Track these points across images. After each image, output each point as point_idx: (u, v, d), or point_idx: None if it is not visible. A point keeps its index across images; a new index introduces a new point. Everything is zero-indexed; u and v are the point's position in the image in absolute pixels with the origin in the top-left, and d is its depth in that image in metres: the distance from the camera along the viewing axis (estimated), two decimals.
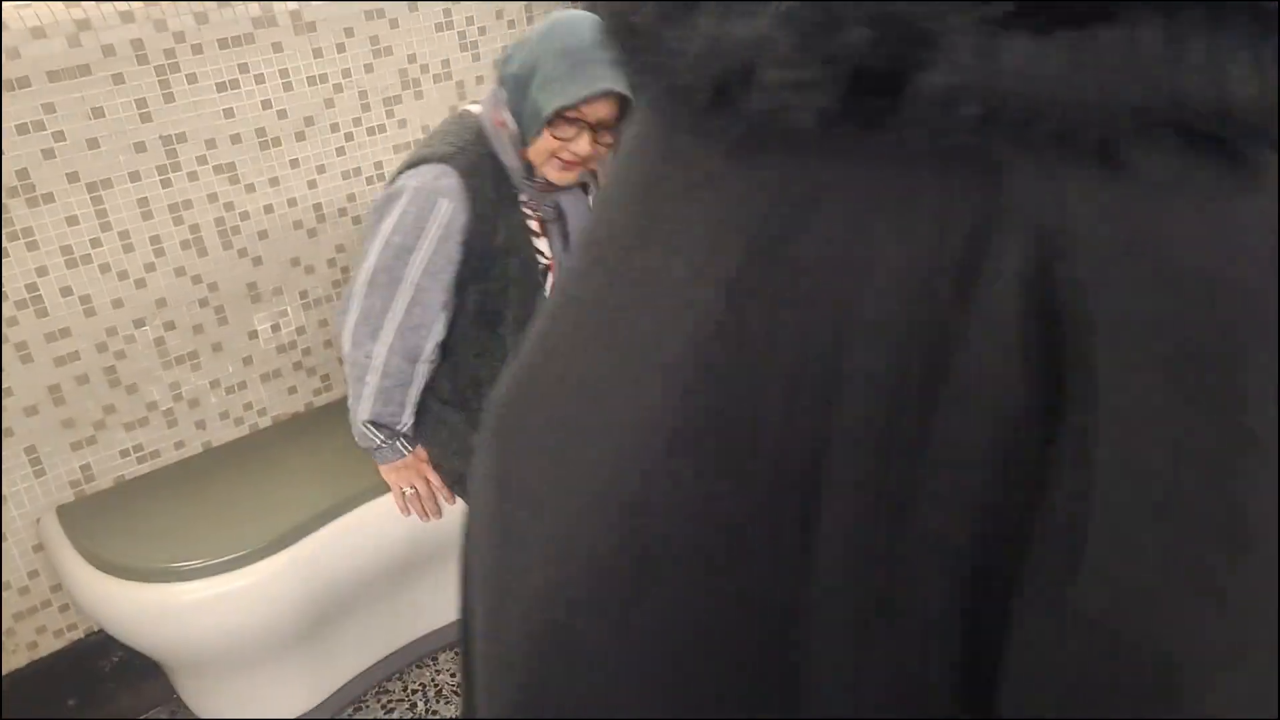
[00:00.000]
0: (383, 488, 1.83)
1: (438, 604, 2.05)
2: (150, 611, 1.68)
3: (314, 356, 2.10)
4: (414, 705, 1.96)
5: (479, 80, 2.15)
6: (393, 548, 1.86)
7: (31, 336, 1.75)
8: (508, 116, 1.61)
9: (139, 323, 1.86)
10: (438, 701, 1.97)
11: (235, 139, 1.89)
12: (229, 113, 1.87)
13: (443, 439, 1.81)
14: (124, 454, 1.91)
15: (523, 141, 1.61)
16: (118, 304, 1.83)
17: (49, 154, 1.70)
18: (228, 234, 1.93)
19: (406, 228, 1.59)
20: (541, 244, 1.71)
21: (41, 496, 1.84)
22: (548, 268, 1.73)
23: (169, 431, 1.95)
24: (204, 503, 1.83)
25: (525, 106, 1.58)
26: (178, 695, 1.99)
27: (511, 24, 2.17)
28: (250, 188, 1.93)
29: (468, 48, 2.12)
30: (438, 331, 1.68)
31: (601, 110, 1.56)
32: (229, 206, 1.91)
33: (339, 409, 2.11)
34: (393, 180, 1.64)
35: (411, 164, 1.62)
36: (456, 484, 1.82)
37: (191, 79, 1.81)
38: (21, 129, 1.66)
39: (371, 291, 1.63)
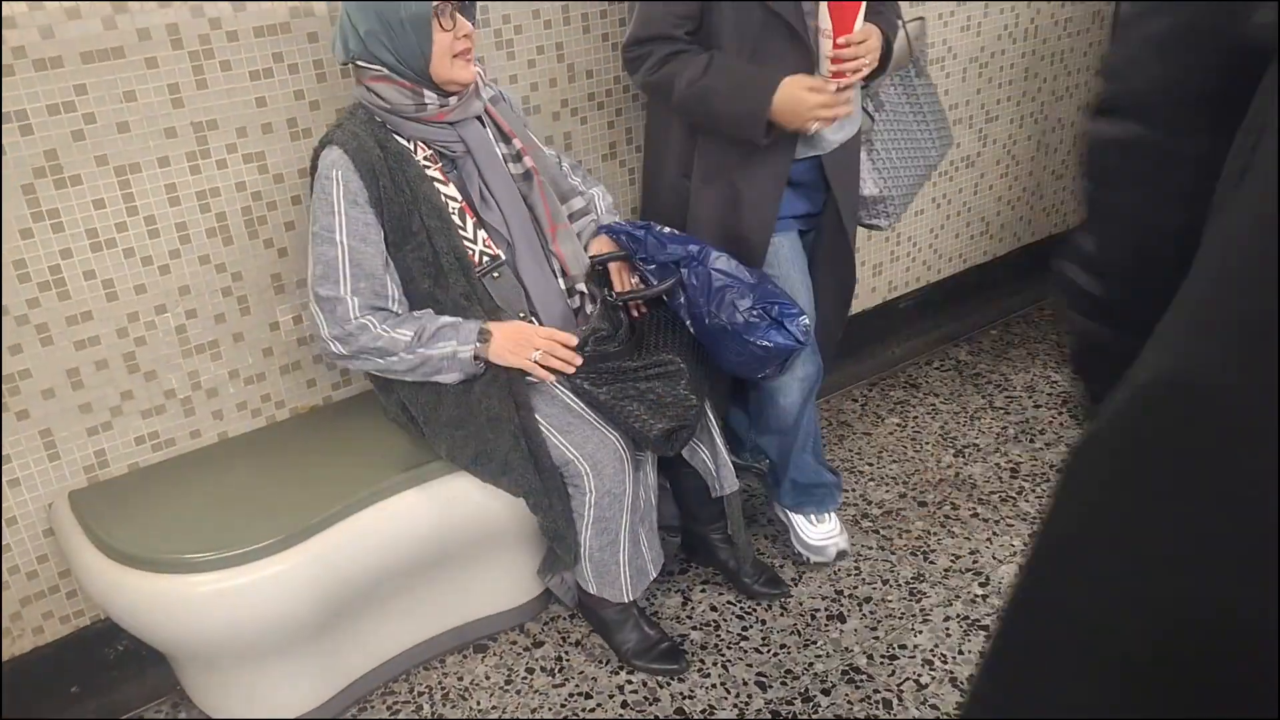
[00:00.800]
0: (399, 485, 1.81)
1: (448, 605, 2.02)
2: (159, 602, 1.66)
3: None
4: (419, 708, 1.94)
5: (512, 79, 2.13)
6: (406, 547, 1.84)
7: (53, 319, 1.74)
8: (382, 69, 1.72)
9: (160, 309, 1.84)
10: (444, 704, 1.94)
11: (266, 128, 1.87)
12: (261, 101, 1.85)
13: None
14: (139, 441, 1.89)
15: (422, 67, 1.72)
16: (140, 289, 1.81)
17: (78, 136, 1.68)
18: (254, 223, 1.91)
19: (321, 206, 1.72)
20: (448, 189, 1.80)
21: (54, 481, 1.82)
22: (462, 209, 1.81)
23: (185, 420, 1.93)
24: (218, 494, 1.80)
25: (399, 35, 1.69)
26: (181, 687, 1.96)
27: (548, 23, 2.14)
28: (279, 178, 1.91)
29: (502, 45, 2.10)
30: (391, 287, 1.78)
31: None
32: (256, 196, 1.89)
33: (357, 403, 2.09)
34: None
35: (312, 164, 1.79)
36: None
37: (225, 66, 1.79)
38: (52, 109, 1.65)
39: (317, 254, 1.74)
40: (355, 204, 1.72)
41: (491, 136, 1.86)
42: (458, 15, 1.73)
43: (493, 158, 1.84)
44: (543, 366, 1.78)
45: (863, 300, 3.02)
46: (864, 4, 1.77)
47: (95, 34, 1.66)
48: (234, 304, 1.93)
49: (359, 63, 1.74)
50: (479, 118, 1.85)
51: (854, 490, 2.53)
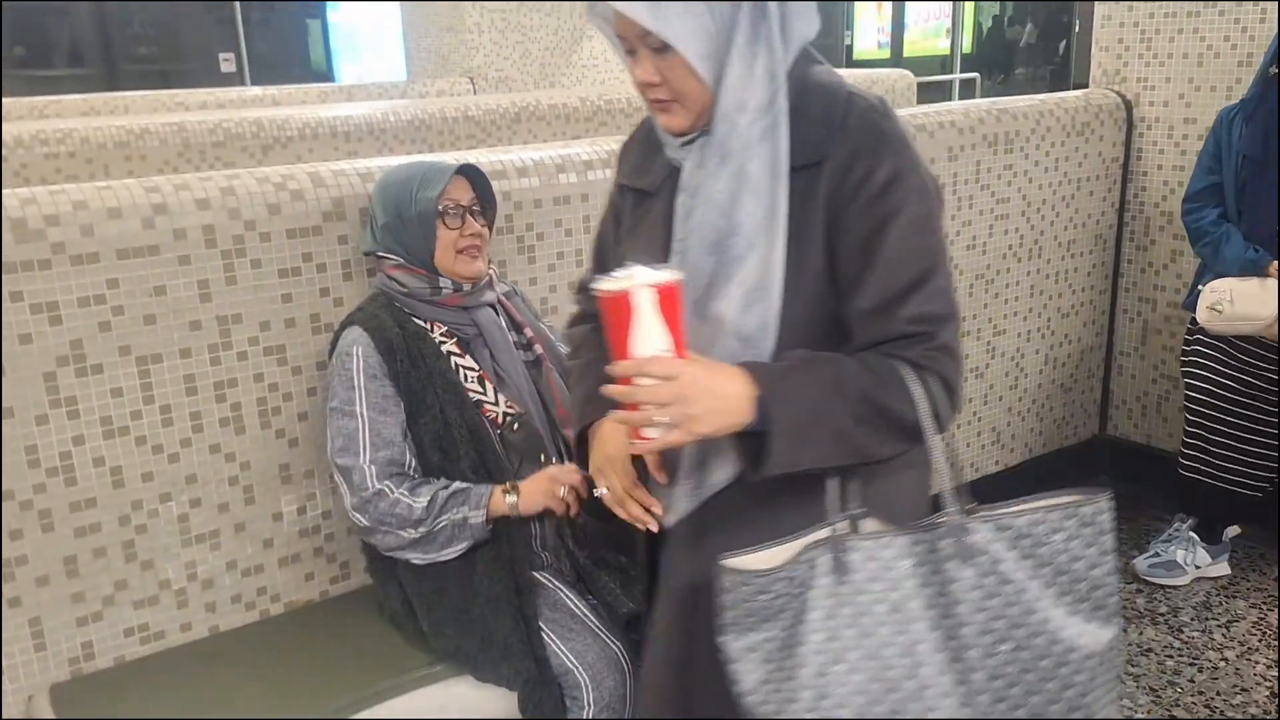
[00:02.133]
0: (392, 690, 1.74)
1: None
2: None
3: (336, 543, 2.06)
4: None
5: (532, 282, 2.20)
6: None
7: (56, 505, 1.73)
8: (398, 258, 1.84)
9: (165, 497, 1.84)
10: None
11: (290, 322, 1.92)
12: (287, 297, 1.91)
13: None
14: (128, 633, 1.84)
15: (428, 260, 1.83)
16: (147, 477, 1.81)
17: (105, 327, 1.73)
18: (268, 414, 1.93)
19: (341, 382, 1.79)
20: (465, 360, 1.86)
21: (38, 673, 1.77)
22: (480, 377, 1.86)
23: (178, 612, 1.89)
24: (199, 696, 1.74)
25: (411, 230, 1.82)
26: None
27: (569, 231, 2.23)
28: (297, 370, 1.95)
29: (523, 250, 2.18)
30: (409, 456, 1.81)
31: (463, 191, 1.86)
32: (273, 387, 1.92)
33: (354, 599, 2.05)
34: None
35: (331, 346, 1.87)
36: None
37: (255, 264, 1.86)
38: (83, 302, 1.70)
39: (336, 428, 1.79)
40: (374, 378, 1.78)
41: (504, 324, 1.94)
42: (467, 216, 1.84)
43: (504, 341, 1.92)
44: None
45: (1050, 442, 3.02)
46: (641, 311, 1.14)
47: (134, 232, 1.73)
48: (239, 493, 1.92)
49: (379, 254, 1.87)
50: (492, 305, 1.93)
51: None
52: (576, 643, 1.77)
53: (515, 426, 1.85)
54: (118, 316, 1.74)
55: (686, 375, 1.15)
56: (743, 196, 1.24)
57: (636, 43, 1.25)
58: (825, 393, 1.19)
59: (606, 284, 1.14)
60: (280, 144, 3.91)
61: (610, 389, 1.18)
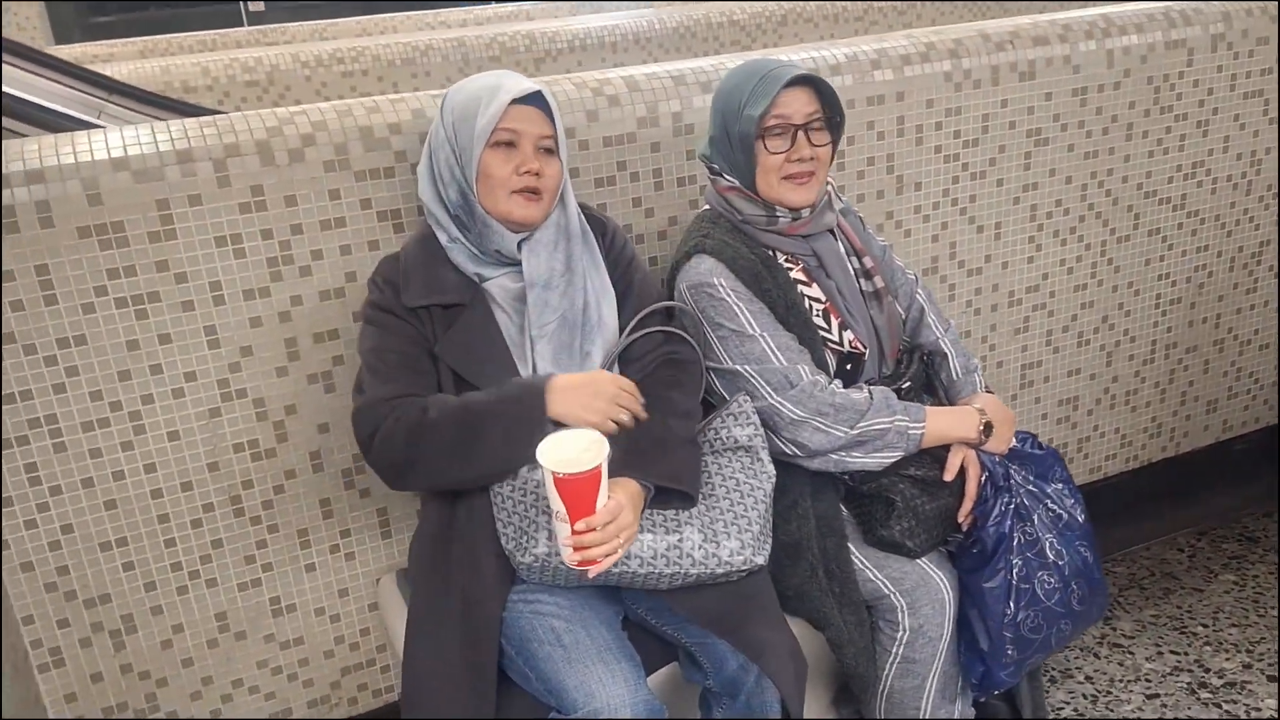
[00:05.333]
0: None
1: None
2: None
3: None
4: None
5: (840, 190, 2.10)
6: None
7: None
8: (728, 179, 1.73)
9: None
10: None
11: None
12: (601, 209, 1.90)
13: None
14: None
15: (750, 182, 1.70)
16: None
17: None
18: None
19: (716, 311, 1.69)
20: (812, 290, 1.75)
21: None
22: (826, 310, 1.75)
23: None
24: None
25: (735, 150, 1.69)
26: None
27: (881, 135, 2.11)
28: None
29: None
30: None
31: (801, 104, 1.66)
32: None
33: None
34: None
35: (671, 279, 1.77)
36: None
37: (572, 173, 1.86)
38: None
39: (744, 354, 1.69)
40: (751, 299, 1.69)
41: (843, 250, 1.81)
42: (799, 136, 1.66)
43: (845, 273, 1.79)
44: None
45: (1193, 438, 2.74)
46: (603, 474, 1.36)
47: None
48: None
49: (711, 167, 1.76)
50: (831, 230, 1.80)
51: (1187, 654, 2.24)
52: (893, 569, 1.72)
53: (849, 368, 1.75)
54: None
55: (624, 510, 1.44)
56: (592, 274, 1.64)
57: (528, 140, 1.56)
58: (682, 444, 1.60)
59: (568, 466, 1.34)
60: (551, 56, 3.95)
61: (578, 542, 1.39)
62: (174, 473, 1.72)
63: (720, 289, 1.69)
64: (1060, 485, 1.78)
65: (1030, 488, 1.75)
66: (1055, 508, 1.75)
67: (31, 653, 1.71)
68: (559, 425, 1.48)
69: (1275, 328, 2.76)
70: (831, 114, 1.70)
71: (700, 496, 1.59)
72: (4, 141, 1.60)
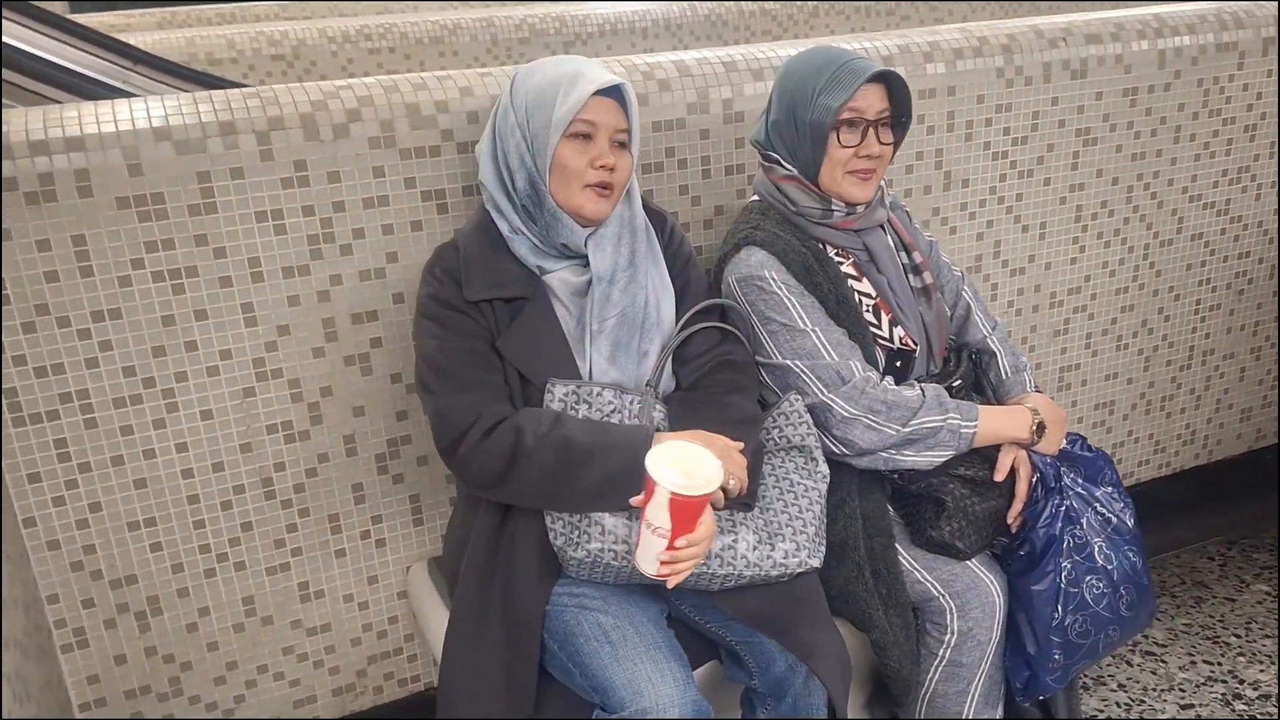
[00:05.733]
0: None
1: None
2: None
3: None
4: None
5: (887, 184, 2.06)
6: None
7: None
8: (786, 168, 1.67)
9: None
10: None
11: None
12: (648, 195, 1.86)
13: None
14: None
15: (813, 174, 1.65)
16: None
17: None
18: None
19: (767, 305, 1.64)
20: (862, 285, 1.71)
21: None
22: (877, 306, 1.71)
23: None
24: None
25: (802, 138, 1.64)
26: None
27: (931, 129, 2.06)
28: None
29: None
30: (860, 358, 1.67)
31: (875, 100, 1.61)
32: None
33: None
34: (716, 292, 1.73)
35: (718, 270, 1.72)
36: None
37: None
38: (468, 191, 1.71)
39: (794, 349, 1.65)
40: (802, 294, 1.65)
41: (893, 245, 1.77)
42: (870, 133, 1.61)
43: (896, 268, 1.74)
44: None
45: (1226, 446, 2.71)
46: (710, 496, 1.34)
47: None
48: None
49: (766, 154, 1.71)
50: (881, 226, 1.76)
51: (1220, 664, 2.21)
52: (942, 572, 1.68)
53: (899, 365, 1.71)
54: None
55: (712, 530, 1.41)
56: (653, 272, 1.59)
57: (604, 133, 1.50)
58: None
59: (690, 488, 1.30)
60: (581, 40, 3.90)
61: (666, 558, 1.35)
62: (205, 453, 1.68)
63: (771, 282, 1.65)
64: (1110, 489, 1.75)
65: (1079, 490, 1.71)
66: (1104, 511, 1.72)
67: (55, 632, 1.67)
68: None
69: None
70: (899, 114, 1.66)
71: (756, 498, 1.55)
72: (42, 109, 1.55)
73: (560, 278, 1.55)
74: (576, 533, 1.46)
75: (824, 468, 1.61)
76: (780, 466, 1.60)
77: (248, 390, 1.68)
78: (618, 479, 1.42)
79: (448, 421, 1.47)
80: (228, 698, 1.80)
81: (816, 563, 1.55)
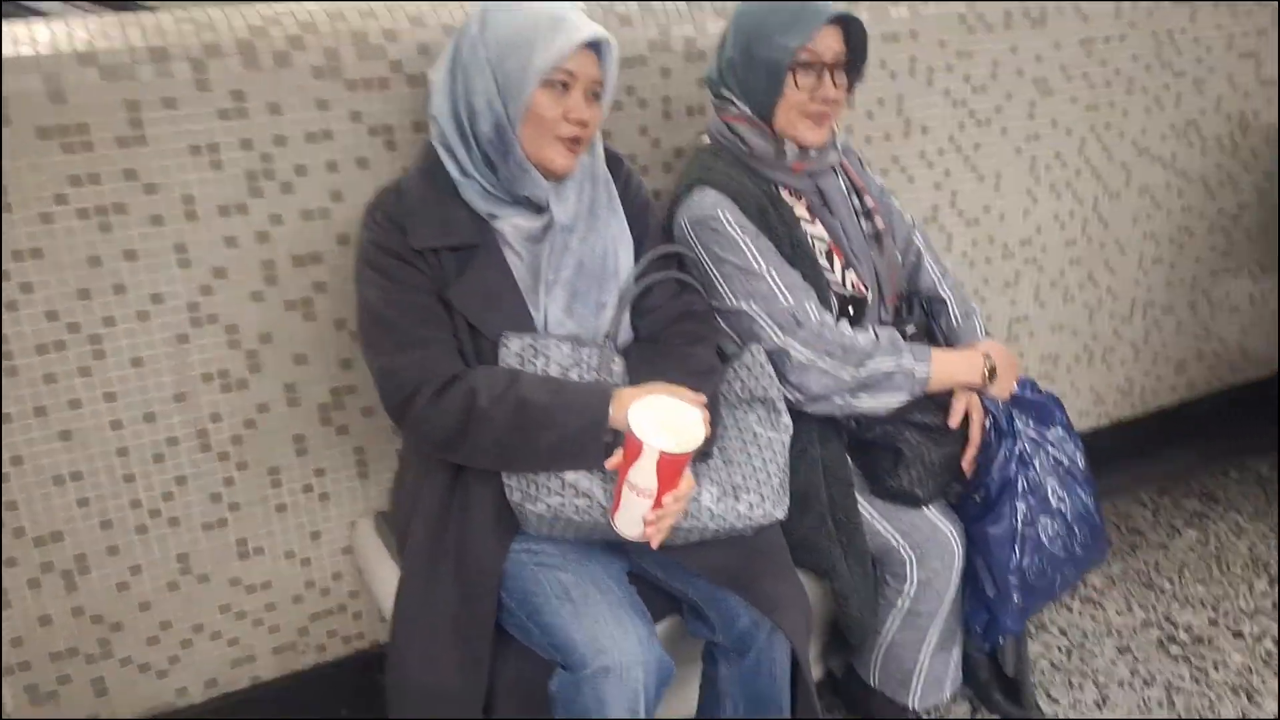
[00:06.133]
0: None
1: None
2: None
3: None
4: None
5: (848, 131, 2.01)
6: None
7: None
8: (739, 107, 1.63)
9: None
10: None
11: None
12: (607, 135, 1.78)
13: None
14: None
15: (767, 114, 1.61)
16: None
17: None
18: None
19: (721, 246, 1.59)
20: (815, 228, 1.67)
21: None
22: (830, 250, 1.67)
23: None
24: None
25: (757, 77, 1.59)
26: None
27: (893, 74, 2.02)
28: None
29: None
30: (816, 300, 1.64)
31: (833, 43, 1.58)
32: None
33: None
34: (669, 235, 1.66)
35: (670, 213, 1.65)
36: None
37: None
38: (418, 126, 1.62)
39: (749, 289, 1.60)
40: (757, 235, 1.60)
41: (844, 188, 1.73)
42: (826, 76, 1.57)
43: (849, 211, 1.71)
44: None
45: (1161, 398, 2.76)
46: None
47: None
48: None
49: (720, 93, 1.66)
50: (834, 169, 1.72)
51: (1155, 609, 2.27)
52: (902, 521, 1.68)
53: (852, 311, 1.67)
54: None
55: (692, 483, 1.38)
56: (611, 221, 1.52)
57: (580, 84, 1.40)
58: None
59: (680, 444, 1.26)
60: None
61: (650, 517, 1.31)
62: (136, 402, 1.58)
63: (725, 223, 1.60)
64: (1060, 430, 1.76)
65: (1031, 434, 1.72)
66: (1056, 453, 1.72)
67: None
68: (618, 437, 1.34)
69: (1245, 292, 2.78)
70: (856, 59, 1.62)
71: (717, 450, 1.51)
72: None
73: (513, 224, 1.46)
74: (534, 487, 1.40)
75: (787, 419, 1.57)
76: (743, 419, 1.56)
77: (181, 337, 1.57)
78: (578, 440, 1.36)
79: (395, 381, 1.39)
80: (161, 658, 1.72)
81: (780, 514, 1.52)
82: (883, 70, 2.01)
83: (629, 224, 1.55)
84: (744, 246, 1.60)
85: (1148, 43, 2.30)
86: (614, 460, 1.33)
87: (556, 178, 1.45)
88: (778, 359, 1.60)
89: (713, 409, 1.48)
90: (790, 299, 1.60)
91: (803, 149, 1.64)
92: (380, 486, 1.80)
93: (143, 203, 1.49)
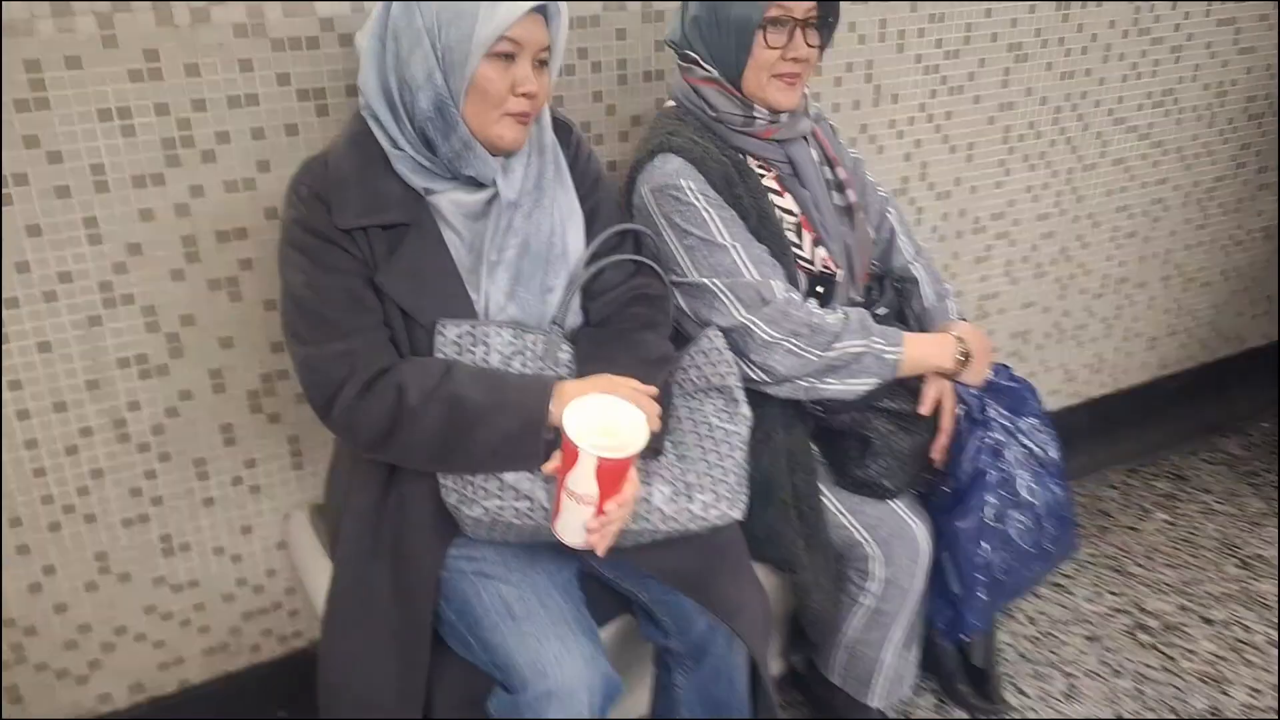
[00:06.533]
0: None
1: None
2: None
3: None
4: None
5: (815, 97, 1.91)
6: None
7: None
8: (705, 69, 1.53)
9: None
10: None
11: None
12: (558, 101, 1.66)
13: None
14: None
15: (735, 76, 1.51)
16: None
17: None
18: None
19: (683, 217, 1.49)
20: (784, 200, 1.57)
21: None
22: (800, 224, 1.58)
23: None
24: None
25: (725, 35, 1.49)
26: None
27: (862, 38, 1.91)
28: None
29: None
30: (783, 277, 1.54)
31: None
32: None
33: None
34: (628, 204, 1.57)
35: (630, 180, 1.56)
36: None
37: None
38: (350, 91, 1.49)
39: (712, 265, 1.50)
40: (721, 206, 1.50)
41: (816, 159, 1.62)
42: (798, 33, 1.47)
43: (820, 184, 1.60)
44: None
45: (1131, 375, 2.70)
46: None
47: None
48: None
49: (684, 54, 1.54)
50: (805, 138, 1.61)
51: (1125, 595, 2.21)
52: (867, 515, 1.59)
53: (820, 290, 1.58)
54: None
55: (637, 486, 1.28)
56: (560, 196, 1.40)
57: (528, 53, 1.26)
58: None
59: (615, 449, 1.16)
60: None
61: (593, 525, 1.20)
62: (44, 390, 1.45)
63: (688, 192, 1.49)
64: (1034, 420, 1.67)
65: (1003, 422, 1.63)
66: (1029, 443, 1.64)
67: None
68: (558, 435, 1.21)
69: (1218, 266, 2.72)
70: (826, 13, 1.51)
71: (670, 445, 1.41)
72: None
73: (451, 199, 1.32)
74: (471, 488, 1.29)
75: (746, 409, 1.46)
76: (699, 410, 1.45)
77: (93, 319, 1.45)
78: (515, 440, 1.25)
79: (318, 376, 1.27)
80: (80, 663, 1.61)
81: (738, 514, 1.41)
82: (851, 34, 1.90)
83: (579, 199, 1.43)
84: (707, 217, 1.49)
85: (1126, 8, 2.21)
86: (551, 464, 1.23)
87: (506, 154, 1.33)
88: (740, 336, 1.50)
89: (665, 400, 1.38)
90: (755, 274, 1.50)
91: (774, 114, 1.53)
92: (316, 477, 1.68)
93: (46, 172, 1.36)
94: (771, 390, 1.54)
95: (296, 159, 1.48)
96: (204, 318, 1.52)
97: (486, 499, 1.28)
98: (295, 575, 1.71)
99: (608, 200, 1.48)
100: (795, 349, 1.50)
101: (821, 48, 1.53)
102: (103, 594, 1.58)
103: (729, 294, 1.50)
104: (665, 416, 1.37)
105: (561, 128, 1.45)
